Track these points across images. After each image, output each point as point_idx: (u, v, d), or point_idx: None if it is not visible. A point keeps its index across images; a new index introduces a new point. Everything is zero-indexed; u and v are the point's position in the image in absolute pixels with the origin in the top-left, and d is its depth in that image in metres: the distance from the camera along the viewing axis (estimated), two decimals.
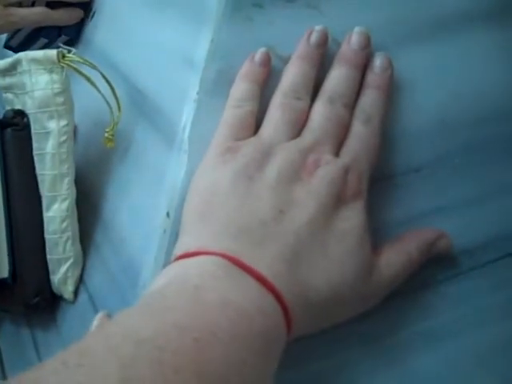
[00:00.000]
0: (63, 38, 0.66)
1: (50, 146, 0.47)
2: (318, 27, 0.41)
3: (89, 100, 0.47)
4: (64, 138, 0.47)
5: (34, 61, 0.46)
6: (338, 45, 0.41)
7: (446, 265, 0.41)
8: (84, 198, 0.50)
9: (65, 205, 0.47)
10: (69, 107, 0.47)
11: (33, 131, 0.47)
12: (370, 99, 0.40)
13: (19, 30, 0.68)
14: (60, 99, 0.46)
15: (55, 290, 0.50)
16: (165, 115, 0.45)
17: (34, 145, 0.47)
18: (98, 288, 0.48)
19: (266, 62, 0.41)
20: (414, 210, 0.41)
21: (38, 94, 0.46)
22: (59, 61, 0.46)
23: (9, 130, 0.48)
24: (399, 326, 0.40)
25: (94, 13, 0.64)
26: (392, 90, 0.41)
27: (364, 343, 0.39)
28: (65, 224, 0.48)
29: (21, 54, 0.47)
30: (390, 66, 0.41)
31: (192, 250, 0.35)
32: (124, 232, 0.46)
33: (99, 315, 0.42)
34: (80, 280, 0.50)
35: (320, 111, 0.39)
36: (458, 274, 0.41)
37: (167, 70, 0.46)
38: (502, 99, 0.44)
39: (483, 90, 0.43)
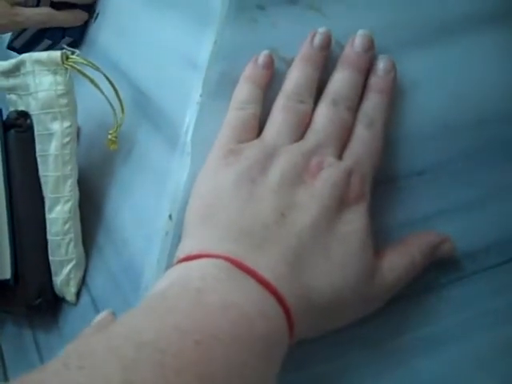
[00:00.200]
0: (67, 39, 0.66)
1: (53, 147, 0.47)
2: (321, 29, 0.41)
3: (92, 102, 0.47)
4: (67, 139, 0.47)
5: (38, 62, 0.46)
6: (342, 47, 0.41)
7: (448, 268, 0.41)
8: (87, 199, 0.50)
9: (67, 206, 0.47)
10: (72, 109, 0.47)
11: (36, 132, 0.47)
12: (373, 102, 0.40)
13: (23, 31, 0.68)
14: (63, 101, 0.46)
15: (57, 292, 0.50)
16: (168, 117, 0.45)
17: (37, 146, 0.47)
18: (100, 290, 0.48)
19: (270, 64, 0.41)
20: (417, 213, 0.41)
21: (41, 95, 0.46)
22: (63, 62, 0.46)
23: (12, 131, 0.48)
24: (401, 329, 0.40)
25: (97, 14, 0.64)
26: (395, 93, 0.41)
27: (366, 347, 0.39)
28: (67, 226, 0.48)
29: (25, 55, 0.47)
30: (393, 68, 0.41)
31: (194, 252, 0.35)
32: (126, 234, 0.46)
33: (103, 313, 0.42)
34: (82, 282, 0.50)
35: (323, 114, 0.39)
36: (460, 278, 0.41)
37: (170, 72, 0.46)
38: (505, 102, 0.44)
39: (485, 93, 0.43)
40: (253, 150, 0.38)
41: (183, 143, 0.41)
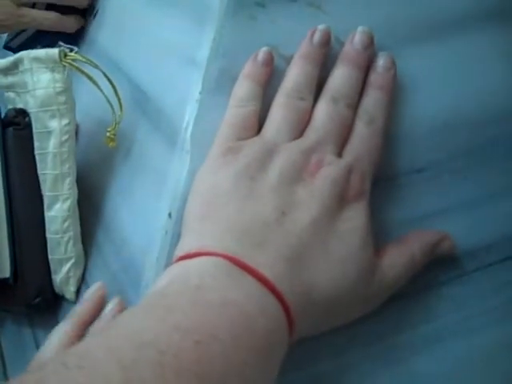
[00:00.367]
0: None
1: (52, 145, 0.47)
2: (320, 26, 0.41)
3: (91, 99, 0.47)
4: (65, 137, 0.46)
5: (36, 59, 0.46)
6: (341, 44, 0.41)
7: (449, 266, 0.41)
8: (86, 197, 0.50)
9: (66, 204, 0.47)
10: (70, 106, 0.47)
11: (34, 130, 0.47)
12: (373, 99, 0.40)
13: (21, 32, 0.68)
14: (62, 98, 0.46)
15: (57, 290, 0.50)
16: (167, 115, 0.45)
17: (36, 144, 0.47)
18: None
19: (269, 61, 0.41)
20: (417, 211, 0.41)
21: (39, 92, 0.46)
22: (61, 60, 0.45)
23: (10, 129, 0.48)
24: (402, 327, 0.40)
25: (96, 11, 0.64)
26: (395, 91, 0.41)
27: (366, 344, 0.39)
28: (66, 224, 0.48)
29: (23, 53, 0.46)
30: (393, 65, 0.41)
31: (193, 250, 0.35)
32: (125, 232, 0.46)
33: (115, 300, 0.42)
34: (82, 280, 0.49)
35: (323, 111, 0.39)
36: (461, 276, 0.41)
37: (169, 70, 0.46)
38: (505, 100, 0.44)
39: (486, 91, 0.43)
40: (252, 147, 0.38)
41: (182, 141, 0.41)
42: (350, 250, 0.36)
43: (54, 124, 0.46)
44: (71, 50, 0.46)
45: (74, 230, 0.48)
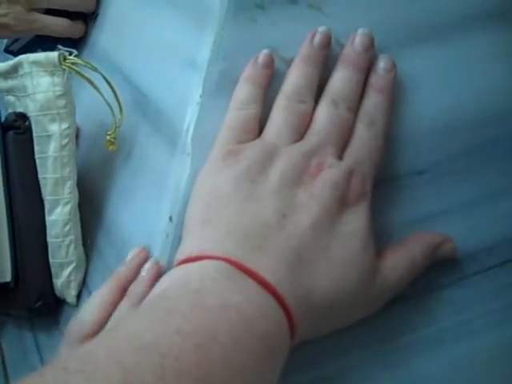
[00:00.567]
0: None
1: (52, 149, 0.46)
2: (321, 29, 0.41)
3: (92, 102, 0.47)
4: (66, 140, 0.46)
5: (36, 63, 0.46)
6: (342, 46, 0.41)
7: (449, 269, 0.41)
8: (86, 201, 0.50)
9: (67, 208, 0.47)
10: (70, 110, 0.47)
11: (34, 134, 0.47)
12: (373, 102, 0.40)
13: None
14: (61, 102, 0.46)
15: (58, 294, 0.50)
16: (168, 118, 0.45)
17: (36, 148, 0.47)
18: None
19: (269, 64, 0.41)
20: (418, 213, 0.41)
21: (39, 96, 0.46)
22: (60, 63, 0.45)
23: (10, 133, 0.48)
24: (402, 330, 0.40)
25: (97, 15, 0.64)
26: (395, 92, 0.41)
27: (367, 347, 0.39)
28: (67, 228, 0.47)
29: (22, 57, 0.46)
30: (393, 67, 0.41)
31: (194, 254, 0.35)
32: (126, 236, 0.46)
33: (152, 260, 0.41)
34: (83, 284, 0.49)
35: (323, 114, 0.39)
36: (462, 279, 0.41)
37: (170, 72, 0.46)
38: (505, 101, 0.43)
39: (486, 92, 0.43)
40: (252, 150, 0.38)
41: (183, 144, 0.41)
42: (351, 252, 0.36)
43: (54, 128, 0.46)
44: (70, 54, 0.46)
45: (74, 234, 0.48)
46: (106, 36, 0.61)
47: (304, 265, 0.35)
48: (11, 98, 0.49)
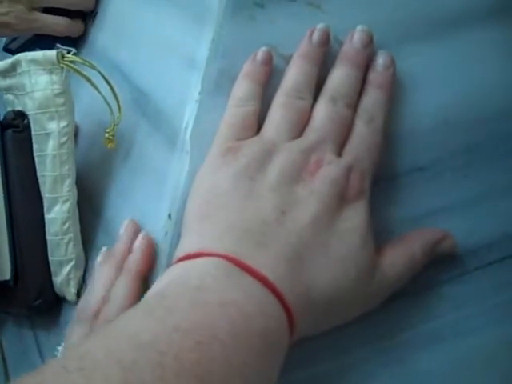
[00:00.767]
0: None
1: (51, 147, 0.46)
2: (319, 26, 0.41)
3: (91, 100, 0.47)
4: (64, 139, 0.46)
5: (34, 61, 0.46)
6: (340, 43, 0.41)
7: (450, 265, 0.41)
8: (85, 199, 0.50)
9: (66, 206, 0.47)
10: (69, 108, 0.47)
11: (33, 132, 0.47)
12: (372, 98, 0.40)
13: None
14: (60, 100, 0.46)
15: (57, 292, 0.50)
16: (166, 116, 0.45)
17: (35, 146, 0.47)
18: None
19: (268, 61, 0.41)
20: (418, 210, 0.41)
21: (37, 94, 0.46)
22: (59, 61, 0.45)
23: (9, 131, 0.48)
24: (403, 326, 0.40)
25: (96, 13, 0.64)
26: (394, 89, 0.41)
27: (367, 344, 0.39)
28: (66, 225, 0.47)
29: (20, 55, 0.46)
30: (392, 64, 0.41)
31: (193, 251, 0.35)
32: None
33: (141, 235, 0.42)
34: (82, 281, 0.49)
35: (322, 111, 0.39)
36: (462, 275, 0.41)
37: (169, 70, 0.46)
38: (505, 98, 0.43)
39: (485, 89, 0.43)
40: (251, 147, 0.38)
41: (182, 141, 0.41)
42: (350, 249, 0.36)
43: (53, 126, 0.46)
44: (69, 52, 0.46)
45: (73, 232, 0.48)
46: (105, 34, 0.61)
47: (303, 261, 0.35)
48: (10, 97, 0.49)
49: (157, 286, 0.35)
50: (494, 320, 0.41)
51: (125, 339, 0.30)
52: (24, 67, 0.46)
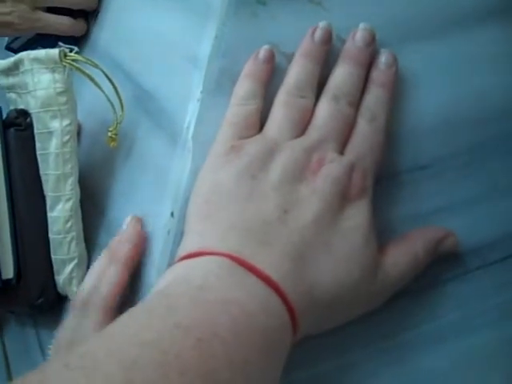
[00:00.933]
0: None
1: (54, 145, 0.46)
2: (321, 24, 0.41)
3: (94, 99, 0.47)
4: (67, 137, 0.46)
5: (36, 60, 0.46)
6: (342, 41, 0.41)
7: (452, 264, 0.41)
8: (88, 197, 0.50)
9: (69, 205, 0.47)
10: (71, 106, 0.47)
11: (36, 131, 0.47)
12: (374, 97, 0.40)
13: None
14: (62, 98, 0.46)
15: (60, 291, 0.50)
16: (169, 114, 0.45)
17: (37, 145, 0.47)
18: None
19: (270, 59, 0.40)
20: (420, 208, 0.41)
21: (40, 93, 0.46)
22: (61, 60, 0.45)
23: (12, 130, 0.47)
24: (405, 325, 0.40)
25: (98, 12, 0.64)
26: (396, 88, 0.41)
27: (369, 343, 0.39)
28: (69, 224, 0.47)
29: (23, 54, 0.46)
30: (394, 62, 0.41)
31: (196, 250, 0.35)
32: None
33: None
34: None
35: (324, 109, 0.39)
36: (465, 273, 0.41)
37: (171, 68, 0.46)
38: (506, 98, 0.43)
39: (487, 89, 0.43)
40: (253, 145, 0.38)
41: (184, 140, 0.41)
42: (353, 247, 0.36)
43: (56, 124, 0.46)
44: (71, 50, 0.46)
45: (76, 230, 0.48)
46: (107, 33, 0.61)
47: (306, 260, 0.35)
48: (13, 95, 0.49)
49: (159, 285, 0.35)
50: (496, 319, 0.41)
51: (126, 338, 0.30)
52: (27, 66, 0.46)
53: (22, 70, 0.47)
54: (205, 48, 0.42)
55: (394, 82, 0.41)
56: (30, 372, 0.28)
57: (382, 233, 0.38)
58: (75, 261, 0.48)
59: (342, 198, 0.37)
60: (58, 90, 0.46)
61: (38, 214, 0.48)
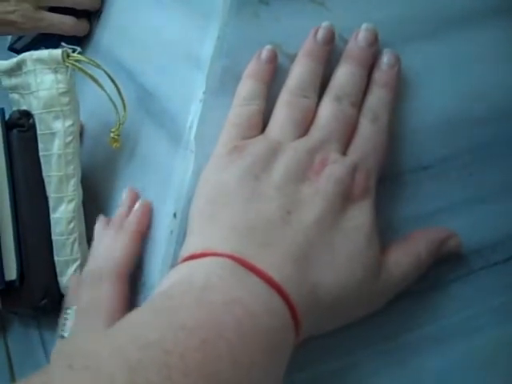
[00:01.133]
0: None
1: (56, 146, 0.46)
2: (324, 24, 0.41)
3: (96, 100, 0.47)
4: (70, 138, 0.46)
5: (39, 61, 0.46)
6: (345, 42, 0.41)
7: (455, 264, 0.41)
8: (91, 198, 0.50)
9: (71, 206, 0.47)
10: (74, 107, 0.47)
11: (38, 132, 0.47)
12: (377, 97, 0.40)
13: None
14: (65, 99, 0.46)
15: (63, 292, 0.50)
16: (171, 115, 0.45)
17: (40, 146, 0.47)
18: None
19: (273, 59, 0.40)
20: (423, 209, 0.41)
21: (42, 94, 0.46)
22: (64, 60, 0.45)
23: (14, 131, 0.48)
24: (408, 326, 0.40)
25: (100, 12, 0.64)
26: (399, 88, 0.41)
27: (371, 345, 0.39)
28: (72, 225, 0.47)
29: (25, 54, 0.46)
30: (397, 62, 0.41)
31: (199, 251, 0.35)
32: None
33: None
34: None
35: (327, 110, 0.39)
36: (467, 274, 0.41)
37: (173, 69, 0.46)
38: (509, 98, 0.43)
39: (490, 89, 0.43)
40: (256, 146, 0.38)
41: (187, 141, 0.41)
42: (356, 248, 0.36)
43: (58, 125, 0.46)
44: (74, 51, 0.46)
45: (79, 231, 0.48)
46: (110, 33, 0.61)
47: (309, 261, 0.35)
48: (15, 96, 0.49)
49: (162, 286, 0.35)
50: (498, 320, 0.41)
51: (130, 338, 0.30)
52: (29, 66, 0.46)
53: (24, 70, 0.47)
54: (207, 48, 0.42)
55: (397, 82, 0.41)
56: (33, 373, 0.28)
57: (384, 233, 0.38)
58: (78, 262, 0.48)
59: (345, 198, 0.37)
60: (61, 90, 0.46)
61: (40, 216, 0.48)
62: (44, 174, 0.47)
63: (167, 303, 0.32)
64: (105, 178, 0.51)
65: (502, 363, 0.40)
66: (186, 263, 0.35)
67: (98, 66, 0.46)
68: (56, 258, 0.48)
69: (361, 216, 0.37)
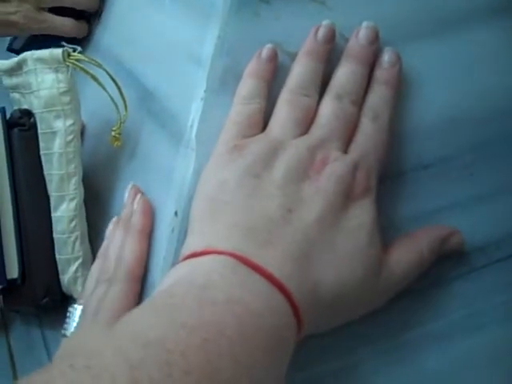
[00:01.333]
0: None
1: (57, 145, 0.47)
2: (324, 23, 0.41)
3: (97, 99, 0.47)
4: (71, 137, 0.46)
5: (40, 60, 0.46)
6: (346, 40, 0.41)
7: (458, 262, 0.41)
8: (92, 197, 0.50)
9: (73, 204, 0.47)
10: (75, 106, 0.47)
11: (39, 131, 0.47)
12: (378, 95, 0.40)
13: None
14: (66, 98, 0.46)
15: (65, 290, 0.50)
16: (172, 113, 0.45)
17: (41, 145, 0.47)
18: None
19: (273, 58, 0.40)
20: (425, 207, 0.41)
21: (43, 93, 0.46)
22: (64, 60, 0.45)
23: (15, 130, 0.48)
24: (410, 324, 0.40)
25: (100, 12, 0.64)
26: (400, 87, 0.41)
27: (373, 343, 0.39)
28: (73, 224, 0.48)
29: (26, 54, 0.46)
30: (398, 61, 0.41)
31: (200, 249, 0.35)
32: None
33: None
34: None
35: (328, 108, 0.39)
36: (470, 272, 0.41)
37: (174, 68, 0.46)
38: (509, 97, 0.43)
39: (491, 88, 0.43)
40: (257, 144, 0.38)
41: (188, 139, 0.41)
42: (357, 246, 0.36)
43: (59, 124, 0.46)
44: (74, 50, 0.46)
45: (80, 230, 0.48)
46: (110, 33, 0.61)
47: (310, 259, 0.35)
48: (16, 95, 0.49)
49: (164, 284, 0.35)
50: (501, 318, 0.41)
51: (131, 337, 0.30)
52: (30, 66, 0.46)
53: (25, 69, 0.47)
54: (208, 47, 0.42)
55: (398, 80, 0.41)
56: (35, 372, 0.28)
57: (385, 231, 0.38)
58: (80, 260, 0.48)
59: (346, 197, 0.37)
60: (62, 89, 0.46)
61: (42, 214, 0.48)
62: (45, 172, 0.47)
63: (168, 302, 0.32)
64: (106, 177, 0.51)
65: (504, 361, 0.40)
66: (187, 261, 0.35)
67: (99, 66, 0.46)
68: (58, 257, 0.48)
69: (362, 214, 0.37)
